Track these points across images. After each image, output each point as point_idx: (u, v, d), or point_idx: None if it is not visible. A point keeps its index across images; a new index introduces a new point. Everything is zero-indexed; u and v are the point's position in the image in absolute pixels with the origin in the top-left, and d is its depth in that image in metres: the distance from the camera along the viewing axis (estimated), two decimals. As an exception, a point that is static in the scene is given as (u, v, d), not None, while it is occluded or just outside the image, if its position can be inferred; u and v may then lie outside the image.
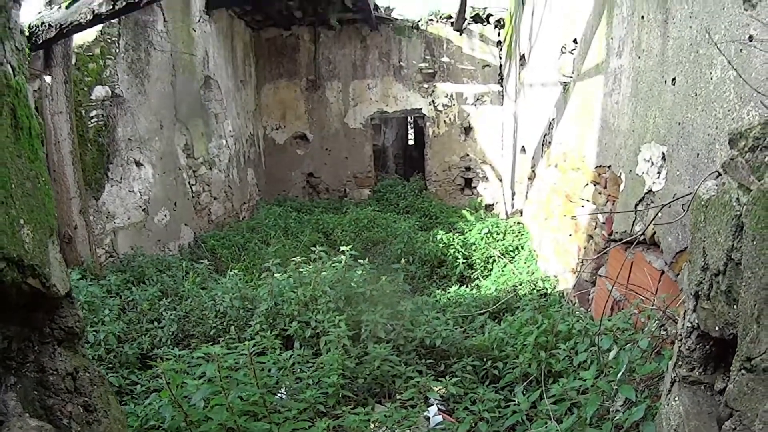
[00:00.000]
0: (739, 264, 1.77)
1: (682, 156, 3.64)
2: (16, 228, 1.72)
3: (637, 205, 4.49)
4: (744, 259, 1.72)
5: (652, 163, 4.21)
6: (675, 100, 3.78)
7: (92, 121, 6.43)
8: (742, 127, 1.92)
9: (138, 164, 7.21)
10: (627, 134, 4.78)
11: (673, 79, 3.80)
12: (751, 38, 2.76)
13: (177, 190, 8.32)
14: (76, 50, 6.25)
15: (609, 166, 5.28)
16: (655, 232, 4.07)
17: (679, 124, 3.69)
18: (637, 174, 4.51)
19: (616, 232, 4.98)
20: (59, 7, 5.52)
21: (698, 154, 3.40)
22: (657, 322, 3.42)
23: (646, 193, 4.32)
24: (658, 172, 4.10)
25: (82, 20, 5.41)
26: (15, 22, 1.95)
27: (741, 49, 2.84)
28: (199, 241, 8.60)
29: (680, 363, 2.14)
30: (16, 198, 1.75)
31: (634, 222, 4.60)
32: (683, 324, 2.19)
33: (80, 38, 6.31)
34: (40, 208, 1.90)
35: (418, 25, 13.33)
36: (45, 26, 5.40)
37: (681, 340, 2.18)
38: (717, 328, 1.89)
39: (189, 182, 8.74)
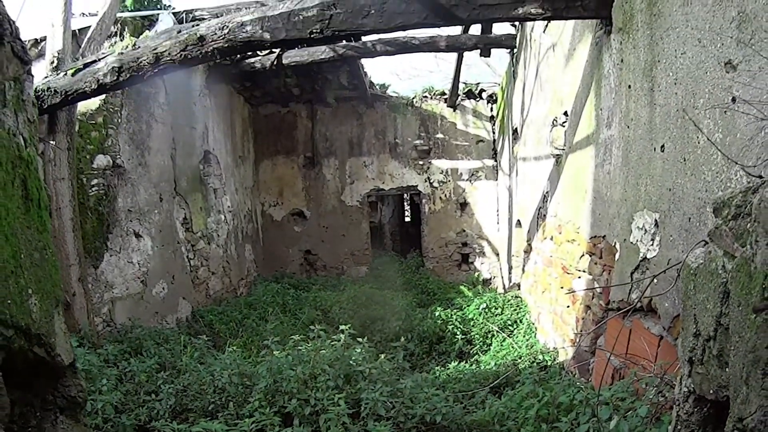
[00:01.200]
0: (728, 329, 1.82)
1: (675, 221, 3.69)
2: (24, 297, 1.74)
3: (632, 273, 4.50)
4: (731, 325, 1.78)
5: (646, 230, 4.25)
6: (664, 166, 3.85)
7: (93, 189, 6.50)
8: (725, 196, 1.99)
9: (137, 235, 7.24)
10: (620, 203, 4.84)
11: (662, 146, 3.89)
12: (734, 99, 2.85)
13: (175, 264, 8.31)
14: (79, 117, 6.37)
15: (604, 236, 5.32)
16: (651, 299, 4.07)
17: (670, 190, 3.75)
18: (631, 242, 4.54)
19: (614, 301, 4.97)
20: (65, 74, 5.68)
21: (690, 219, 3.45)
22: (655, 389, 3.39)
23: (641, 261, 4.34)
24: (652, 239, 4.13)
25: (86, 89, 5.56)
26: (28, 94, 2.02)
27: (725, 112, 2.93)
28: (197, 316, 8.54)
29: (679, 427, 2.15)
30: (25, 268, 1.79)
31: (630, 290, 4.60)
32: (680, 389, 2.21)
33: (84, 106, 6.45)
34: (47, 279, 1.93)
35: (412, 102, 13.66)
36: (51, 92, 5.54)
37: (679, 404, 2.20)
38: (711, 392, 1.92)
39: (187, 256, 8.74)
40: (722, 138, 3.00)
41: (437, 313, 9.38)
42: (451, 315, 9.31)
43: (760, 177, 2.35)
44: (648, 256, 4.19)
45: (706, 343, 1.97)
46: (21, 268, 1.76)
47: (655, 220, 4.05)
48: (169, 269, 8.08)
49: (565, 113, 6.72)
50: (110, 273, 6.67)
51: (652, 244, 4.13)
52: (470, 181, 13.60)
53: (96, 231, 6.50)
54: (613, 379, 4.52)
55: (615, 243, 4.97)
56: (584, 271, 5.97)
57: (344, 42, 9.24)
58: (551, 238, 7.49)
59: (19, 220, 1.80)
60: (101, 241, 6.56)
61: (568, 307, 6.49)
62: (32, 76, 2.15)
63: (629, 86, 4.53)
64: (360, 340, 5.71)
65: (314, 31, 5.17)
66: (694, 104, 3.35)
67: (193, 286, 8.88)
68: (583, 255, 6.01)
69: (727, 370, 1.82)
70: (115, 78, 5.47)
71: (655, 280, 3.83)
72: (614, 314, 4.81)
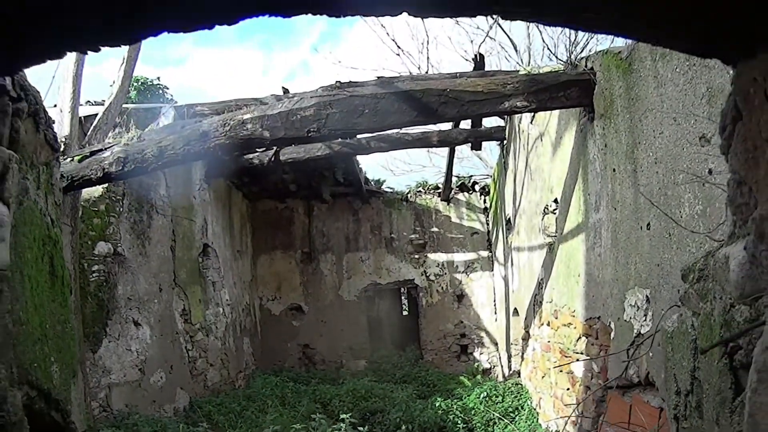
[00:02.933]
0: (701, 381, 1.94)
1: (665, 295, 3.80)
2: (48, 364, 1.86)
3: (628, 350, 4.57)
4: (702, 375, 1.91)
5: (638, 307, 4.36)
6: (651, 243, 4.00)
7: (94, 275, 6.56)
8: (690, 262, 2.16)
9: (136, 324, 7.23)
10: (612, 284, 4.96)
11: (648, 224, 4.05)
12: (710, 171, 3.04)
13: (174, 354, 8.27)
14: (83, 203, 6.50)
15: (598, 317, 5.41)
16: (648, 372, 4.13)
17: (658, 265, 3.88)
18: (625, 320, 4.63)
19: (612, 379, 5.01)
20: (71, 160, 5.87)
21: (679, 291, 3.54)
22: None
23: (635, 337, 4.41)
24: (644, 315, 4.23)
25: (92, 176, 5.73)
26: (56, 179, 2.19)
27: (704, 184, 3.10)
28: (195, 406, 8.41)
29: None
30: (49, 337, 1.91)
31: (627, 366, 4.65)
32: (672, 448, 2.29)
33: (86, 192, 6.58)
34: (67, 350, 2.05)
35: (407, 197, 13.95)
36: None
37: (672, 461, 2.26)
38: (696, 442, 2.00)
39: (186, 347, 8.70)
40: (703, 209, 3.16)
41: (438, 403, 9.28)
42: (452, 405, 9.22)
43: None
44: (642, 332, 4.28)
45: (686, 398, 2.08)
46: (46, 337, 1.88)
47: (647, 296, 4.16)
48: (168, 359, 8.03)
49: (556, 200, 6.93)
50: (108, 359, 6.64)
51: (645, 320, 4.22)
52: (466, 273, 13.71)
53: (95, 316, 6.52)
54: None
55: (610, 322, 5.05)
56: (582, 354, 6.01)
57: (339, 139, 9.59)
58: (548, 324, 7.55)
59: (45, 293, 1.93)
60: (100, 327, 6.56)
61: (568, 389, 6.48)
62: (59, 162, 2.32)
63: (614, 169, 4.74)
64: (360, 429, 5.69)
65: (311, 129, 5.40)
66: (674, 180, 3.54)
67: (191, 376, 8.79)
68: (579, 337, 6.07)
69: (704, 417, 1.93)
70: (121, 168, 5.67)
71: (650, 354, 3.91)
72: (613, 391, 4.85)
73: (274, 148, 9.61)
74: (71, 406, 1.97)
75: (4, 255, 1.57)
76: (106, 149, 5.88)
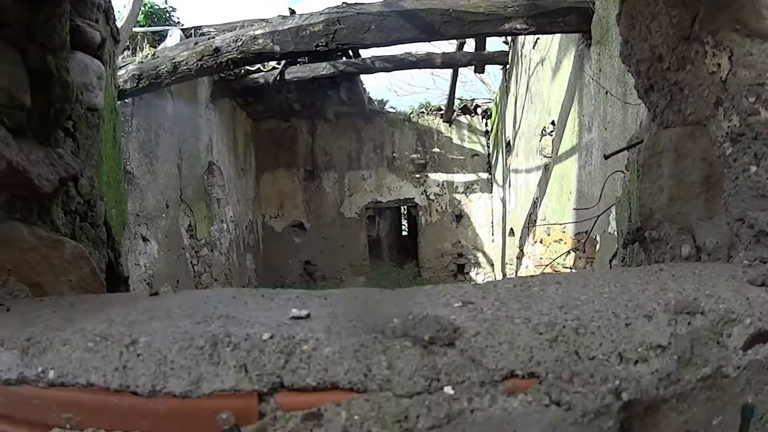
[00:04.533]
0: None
1: (645, 210, 4.07)
2: (110, 206, 2.20)
3: (611, 260, 4.87)
4: (633, 216, 2.30)
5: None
6: (636, 161, 4.24)
7: (104, 192, 6.76)
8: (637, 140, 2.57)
9: (144, 239, 7.47)
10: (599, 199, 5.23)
11: (634, 144, 4.29)
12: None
13: (180, 268, 8.58)
14: (95, 122, 6.67)
15: (586, 232, 5.70)
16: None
17: (641, 182, 4.13)
18: (609, 233, 4.92)
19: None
20: (88, 77, 6.09)
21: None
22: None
23: (618, 249, 4.71)
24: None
25: (107, 93, 5.95)
26: (117, 65, 2.50)
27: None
28: (201, 318, 8.77)
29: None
30: (111, 187, 2.26)
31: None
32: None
33: (97, 113, 6.73)
34: (120, 206, 2.40)
35: (409, 117, 14.03)
36: (74, 92, 5.95)
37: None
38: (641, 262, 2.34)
39: (191, 262, 9.03)
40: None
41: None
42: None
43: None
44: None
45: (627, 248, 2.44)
46: (109, 185, 2.22)
47: (629, 211, 4.43)
48: (174, 273, 8.34)
49: (553, 122, 7.11)
50: (118, 273, 6.89)
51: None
52: (465, 193, 13.93)
53: (106, 232, 6.75)
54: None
55: (596, 236, 5.34)
56: (570, 268, 6.33)
57: (344, 59, 9.65)
58: (541, 241, 7.86)
59: (110, 152, 2.26)
60: (110, 242, 6.81)
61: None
62: (117, 53, 2.66)
63: (606, 92, 4.94)
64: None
65: (320, 44, 5.57)
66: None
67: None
68: (569, 252, 6.37)
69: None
70: (135, 84, 5.86)
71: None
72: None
73: (279, 67, 9.70)
74: (121, 250, 2.26)
75: (101, 99, 1.94)
76: (120, 68, 6.03)
